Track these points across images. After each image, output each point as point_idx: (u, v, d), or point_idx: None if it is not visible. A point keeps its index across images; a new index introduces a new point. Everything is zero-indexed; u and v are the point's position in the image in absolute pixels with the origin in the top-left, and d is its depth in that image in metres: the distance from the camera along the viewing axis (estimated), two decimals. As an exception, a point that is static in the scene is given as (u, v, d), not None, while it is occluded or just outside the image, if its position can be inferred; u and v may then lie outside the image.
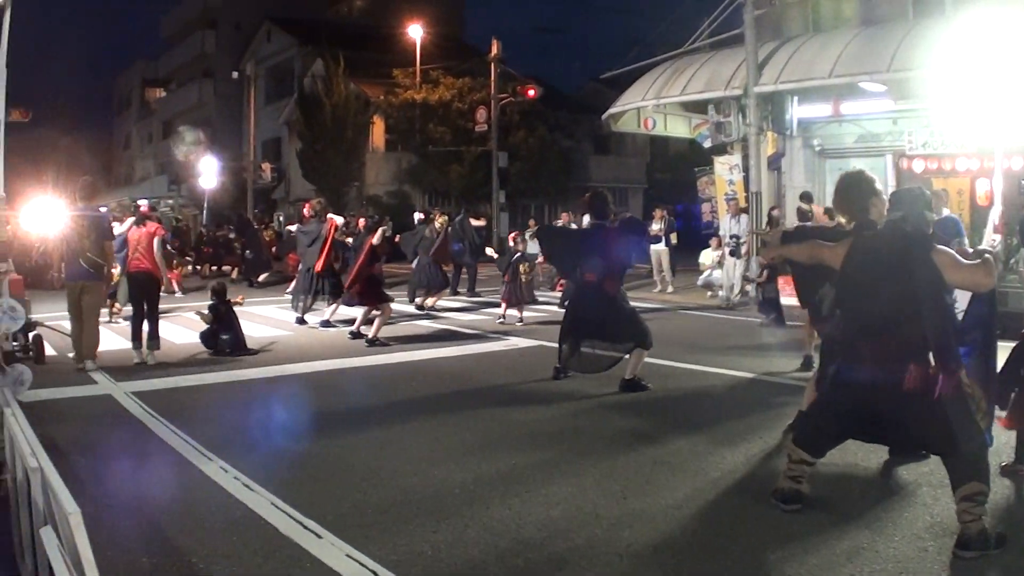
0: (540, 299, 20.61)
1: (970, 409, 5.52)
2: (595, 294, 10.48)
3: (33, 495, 4.14)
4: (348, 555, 5.40)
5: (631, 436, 8.35)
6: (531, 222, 27.35)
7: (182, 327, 16.34)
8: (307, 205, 18.03)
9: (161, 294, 13.40)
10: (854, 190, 5.93)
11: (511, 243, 19.39)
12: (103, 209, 14.59)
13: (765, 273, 16.17)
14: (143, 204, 13.69)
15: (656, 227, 22.76)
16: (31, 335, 12.47)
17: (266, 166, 48.99)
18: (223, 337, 13.59)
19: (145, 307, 12.75)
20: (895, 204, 6.16)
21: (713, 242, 21.66)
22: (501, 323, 16.89)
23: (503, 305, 17.36)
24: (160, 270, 13.10)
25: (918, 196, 6.55)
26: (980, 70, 16.94)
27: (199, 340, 13.75)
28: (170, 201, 57.98)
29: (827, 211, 12.56)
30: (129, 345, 12.80)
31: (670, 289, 22.79)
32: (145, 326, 12.70)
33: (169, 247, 26.11)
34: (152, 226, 13.13)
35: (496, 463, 7.43)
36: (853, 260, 5.67)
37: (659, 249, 22.57)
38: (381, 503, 6.40)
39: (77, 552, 3.38)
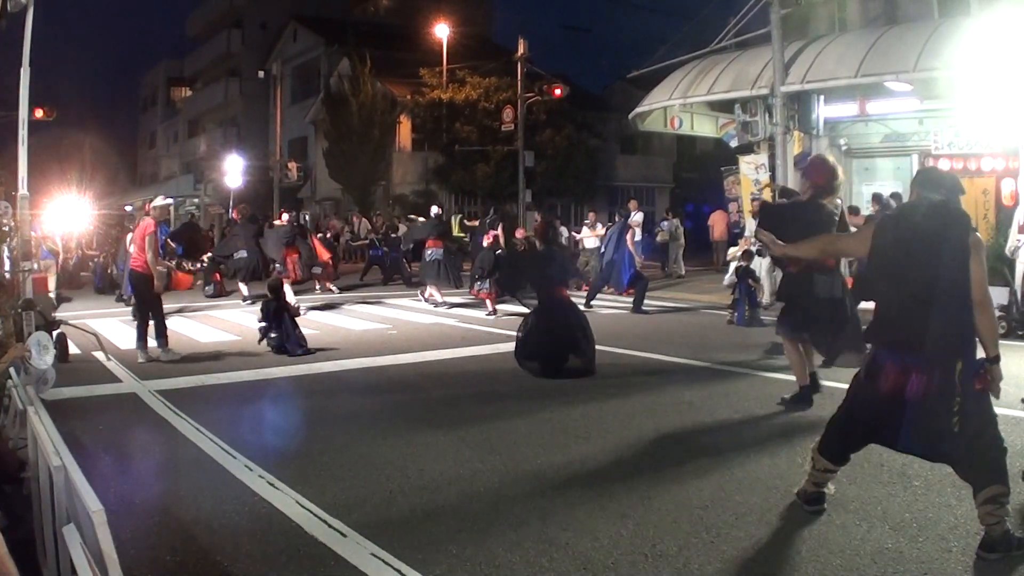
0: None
1: (991, 411, 5.34)
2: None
3: (56, 493, 4.16)
4: (373, 553, 5.41)
5: (657, 436, 8.32)
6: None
7: (209, 326, 16.42)
8: (235, 210, 19.44)
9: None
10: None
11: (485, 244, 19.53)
12: (128, 208, 17.15)
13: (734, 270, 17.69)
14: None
15: None
16: (55, 334, 12.49)
17: (292, 165, 48.96)
18: (271, 336, 13.44)
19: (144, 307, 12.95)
20: (928, 184, 5.60)
21: (742, 242, 21.58)
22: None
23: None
24: (152, 268, 12.78)
25: (955, 180, 5.73)
26: (1006, 70, 16.87)
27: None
28: (196, 200, 58.12)
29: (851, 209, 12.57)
30: (154, 344, 12.86)
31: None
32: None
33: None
34: (145, 223, 12.95)
35: (521, 462, 7.43)
36: (883, 243, 5.56)
37: None
38: (406, 501, 6.42)
39: (100, 550, 3.38)
